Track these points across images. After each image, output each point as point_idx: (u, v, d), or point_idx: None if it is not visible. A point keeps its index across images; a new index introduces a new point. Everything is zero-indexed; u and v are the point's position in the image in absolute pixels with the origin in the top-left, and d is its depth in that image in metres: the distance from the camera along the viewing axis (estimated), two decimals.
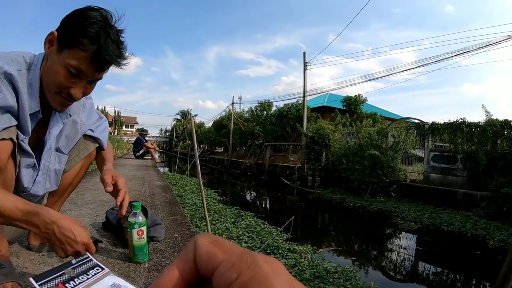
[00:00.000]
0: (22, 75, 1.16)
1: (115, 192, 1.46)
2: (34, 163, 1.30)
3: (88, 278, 0.71)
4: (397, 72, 13.67)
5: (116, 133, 41.04)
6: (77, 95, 1.22)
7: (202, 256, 0.24)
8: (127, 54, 1.28)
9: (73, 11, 1.19)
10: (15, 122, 1.14)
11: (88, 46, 1.13)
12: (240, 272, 0.22)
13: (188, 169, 10.80)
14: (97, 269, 0.75)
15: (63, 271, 0.72)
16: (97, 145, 1.64)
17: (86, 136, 1.59)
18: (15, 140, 1.14)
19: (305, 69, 15.18)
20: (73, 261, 0.73)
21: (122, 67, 1.28)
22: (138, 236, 1.66)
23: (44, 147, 1.36)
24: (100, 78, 1.27)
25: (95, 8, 1.19)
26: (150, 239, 2.04)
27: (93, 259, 0.79)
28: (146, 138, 12.03)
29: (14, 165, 1.21)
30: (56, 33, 1.17)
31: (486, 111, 9.02)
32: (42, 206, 1.12)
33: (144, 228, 1.68)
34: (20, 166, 1.24)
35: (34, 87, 1.19)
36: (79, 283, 0.70)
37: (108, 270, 0.76)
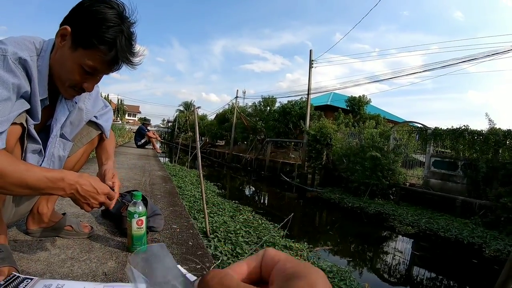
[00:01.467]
0: (34, 61, 1.16)
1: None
2: (40, 149, 1.31)
3: None
4: (403, 75, 13.64)
5: (119, 120, 41.04)
6: (90, 89, 1.27)
7: (268, 258, 0.30)
8: (138, 48, 1.28)
9: (86, 7, 1.16)
10: (27, 106, 1.15)
11: (105, 51, 1.16)
12: (294, 263, 0.27)
13: (189, 160, 10.80)
14: (27, 281, 0.75)
15: None
16: (100, 131, 1.65)
17: (90, 122, 1.59)
18: (25, 125, 1.15)
19: (310, 67, 15.14)
20: (1, 282, 0.73)
21: (135, 67, 1.30)
22: (138, 225, 1.66)
23: (49, 133, 1.37)
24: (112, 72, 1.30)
25: (109, 3, 1.17)
26: (149, 229, 2.04)
27: (20, 275, 0.79)
28: (148, 128, 12.04)
29: (21, 149, 1.21)
30: (69, 29, 1.15)
31: (490, 120, 8.99)
32: (63, 170, 1.21)
33: (143, 218, 1.68)
34: (26, 151, 1.24)
35: (42, 74, 1.19)
36: None
37: (36, 278, 0.76)
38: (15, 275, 0.75)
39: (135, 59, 1.27)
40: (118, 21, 1.16)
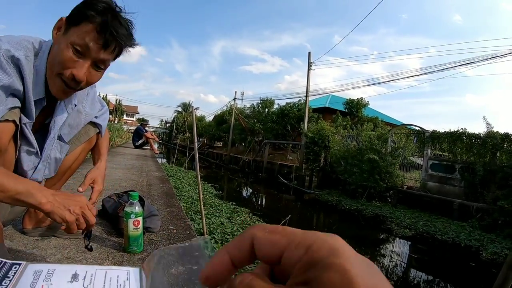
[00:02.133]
0: (29, 61, 1.15)
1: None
2: (37, 150, 1.30)
3: (10, 281, 0.69)
4: (401, 78, 13.69)
5: (116, 121, 40.95)
6: (79, 75, 1.16)
7: (266, 246, 0.25)
8: (134, 38, 1.26)
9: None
10: (19, 105, 1.13)
11: (94, 17, 1.11)
12: (307, 247, 0.23)
13: (187, 161, 10.79)
14: (15, 267, 0.73)
15: None
16: (98, 130, 1.64)
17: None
18: (18, 123, 1.14)
19: (309, 69, 15.16)
20: None
21: (128, 49, 1.26)
22: (134, 226, 1.65)
23: (47, 134, 1.36)
24: (105, 61, 1.22)
25: None
26: (146, 229, 2.03)
27: (7, 261, 0.76)
28: (146, 128, 12.03)
29: (15, 148, 1.20)
30: (64, 18, 1.16)
31: (487, 123, 9.02)
32: (37, 187, 1.08)
33: (140, 219, 1.67)
34: (20, 150, 1.23)
35: (40, 74, 1.18)
36: None
37: (24, 263, 0.74)
38: (2, 261, 0.73)
39: (128, 39, 1.22)
40: (109, 4, 1.16)
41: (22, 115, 1.16)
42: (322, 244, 0.23)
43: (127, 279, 0.62)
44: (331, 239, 0.24)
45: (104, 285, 0.61)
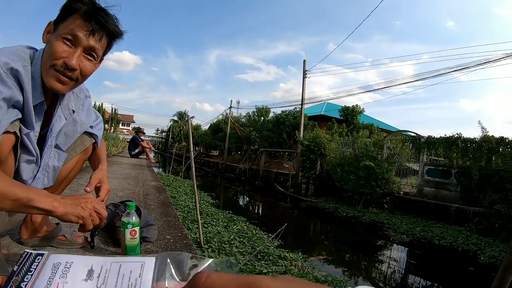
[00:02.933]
0: (27, 71, 1.17)
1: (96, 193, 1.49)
2: (37, 158, 1.30)
3: (31, 275, 0.69)
4: (395, 85, 13.74)
5: (112, 130, 40.85)
6: (72, 63, 1.18)
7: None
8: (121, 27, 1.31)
9: None
10: (20, 116, 1.15)
11: (80, 7, 1.16)
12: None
13: (183, 170, 10.77)
14: (38, 259, 0.73)
15: (10, 284, 0.70)
16: (94, 140, 1.64)
17: (84, 132, 1.59)
18: (18, 134, 1.15)
19: (304, 77, 15.23)
20: (15, 268, 0.71)
21: (117, 39, 1.32)
22: (131, 236, 1.65)
23: (43, 143, 1.36)
24: (95, 49, 1.25)
25: None
26: (143, 239, 2.03)
27: (32, 251, 0.76)
28: (142, 137, 12.01)
29: (15, 158, 1.21)
30: (52, 22, 1.23)
31: (482, 128, 9.08)
32: (45, 193, 1.09)
33: (137, 229, 1.67)
34: (20, 160, 1.23)
35: (36, 79, 1.20)
36: (26, 285, 0.67)
37: (46, 252, 0.74)
38: (28, 252, 0.73)
39: (109, 18, 1.25)
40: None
41: (21, 125, 1.17)
42: None
43: (140, 274, 0.63)
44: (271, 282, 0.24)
45: (116, 283, 0.61)
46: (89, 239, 1.86)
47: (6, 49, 1.17)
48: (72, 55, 1.19)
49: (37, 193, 1.05)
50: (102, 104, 41.81)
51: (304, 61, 15.40)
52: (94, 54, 1.26)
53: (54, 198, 1.06)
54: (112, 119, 47.71)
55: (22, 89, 1.15)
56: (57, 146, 1.43)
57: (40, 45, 1.29)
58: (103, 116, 1.80)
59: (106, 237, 2.08)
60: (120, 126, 57.36)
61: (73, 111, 1.44)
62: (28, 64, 1.19)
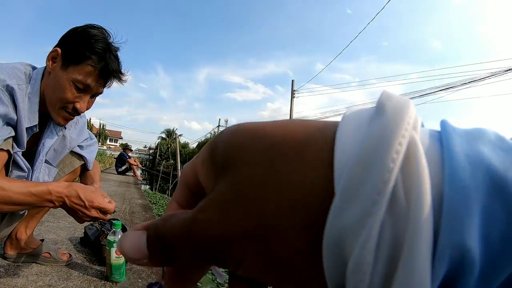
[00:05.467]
0: (22, 90, 1.19)
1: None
2: (28, 174, 1.32)
3: None
4: None
5: (100, 145, 40.49)
6: (83, 109, 1.27)
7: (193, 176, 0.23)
8: (123, 70, 1.37)
9: (74, 29, 1.27)
10: (13, 134, 1.17)
11: (96, 62, 1.21)
12: (204, 159, 0.21)
13: (170, 188, 10.71)
14: None
15: None
16: (83, 162, 1.65)
17: (73, 153, 1.59)
18: (12, 152, 1.16)
19: (292, 97, 15.40)
20: None
21: (123, 83, 1.38)
22: (117, 255, 1.66)
23: (33, 158, 1.38)
24: (102, 93, 1.33)
25: (95, 26, 1.27)
26: None
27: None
28: (130, 154, 11.93)
29: (6, 174, 1.22)
30: (59, 50, 1.22)
31: None
32: (49, 182, 1.19)
33: None
34: (11, 176, 1.24)
35: (33, 101, 1.22)
36: None
37: None
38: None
39: (124, 76, 1.35)
40: (104, 37, 1.26)
41: (14, 144, 1.19)
42: (221, 146, 0.19)
43: None
44: (229, 136, 0.20)
45: None
46: (74, 256, 1.84)
47: (1, 65, 1.19)
48: (83, 102, 1.27)
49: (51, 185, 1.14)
50: (90, 119, 41.57)
51: (293, 81, 15.65)
52: (97, 95, 1.35)
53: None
54: (100, 135, 47.35)
55: (16, 107, 1.16)
56: (47, 162, 1.44)
57: (29, 59, 1.32)
58: (91, 131, 1.82)
59: (91, 255, 2.07)
60: (108, 142, 56.93)
61: (65, 127, 1.46)
62: (23, 83, 1.21)
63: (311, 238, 0.14)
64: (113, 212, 1.29)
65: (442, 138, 0.14)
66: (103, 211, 1.22)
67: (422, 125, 0.16)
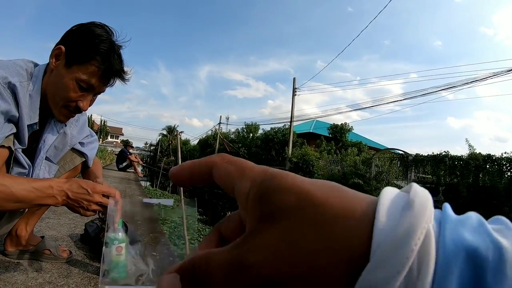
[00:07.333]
0: (23, 87, 1.18)
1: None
2: (28, 171, 1.31)
3: None
4: (384, 103, 13.94)
5: (101, 142, 40.48)
6: (85, 107, 1.28)
7: (222, 175, 0.27)
8: (126, 68, 1.36)
9: (78, 28, 1.26)
10: (14, 130, 1.16)
11: (100, 62, 1.21)
12: (253, 179, 0.24)
13: (170, 185, 10.70)
14: None
15: None
16: (84, 159, 1.64)
17: (74, 150, 1.59)
18: (13, 149, 1.15)
19: (294, 95, 15.39)
20: None
21: (126, 82, 1.38)
22: (117, 252, 1.64)
23: (35, 155, 1.36)
24: (104, 91, 1.33)
25: (99, 24, 1.26)
26: None
27: None
28: (131, 151, 11.92)
29: (7, 171, 1.21)
30: (63, 48, 1.21)
31: (470, 145, 9.22)
32: (50, 178, 1.23)
33: (123, 245, 1.66)
34: (12, 172, 1.24)
35: (34, 99, 1.21)
36: None
37: None
38: None
39: (127, 76, 1.35)
40: (109, 37, 1.26)
41: (15, 140, 1.18)
42: (267, 175, 0.24)
43: None
44: (276, 170, 0.24)
45: None
46: (74, 253, 1.83)
47: (2, 63, 1.18)
48: (86, 101, 1.28)
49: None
50: (91, 115, 41.56)
51: (294, 78, 15.64)
52: (99, 94, 1.35)
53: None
54: (101, 131, 47.30)
55: (17, 104, 1.16)
56: (47, 159, 1.43)
57: (27, 56, 1.30)
58: (92, 128, 1.81)
59: (91, 252, 2.05)
60: (109, 138, 56.96)
61: (65, 125, 1.45)
62: (24, 80, 1.20)
63: (349, 285, 0.18)
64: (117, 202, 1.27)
65: (441, 224, 0.18)
66: (107, 197, 1.23)
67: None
